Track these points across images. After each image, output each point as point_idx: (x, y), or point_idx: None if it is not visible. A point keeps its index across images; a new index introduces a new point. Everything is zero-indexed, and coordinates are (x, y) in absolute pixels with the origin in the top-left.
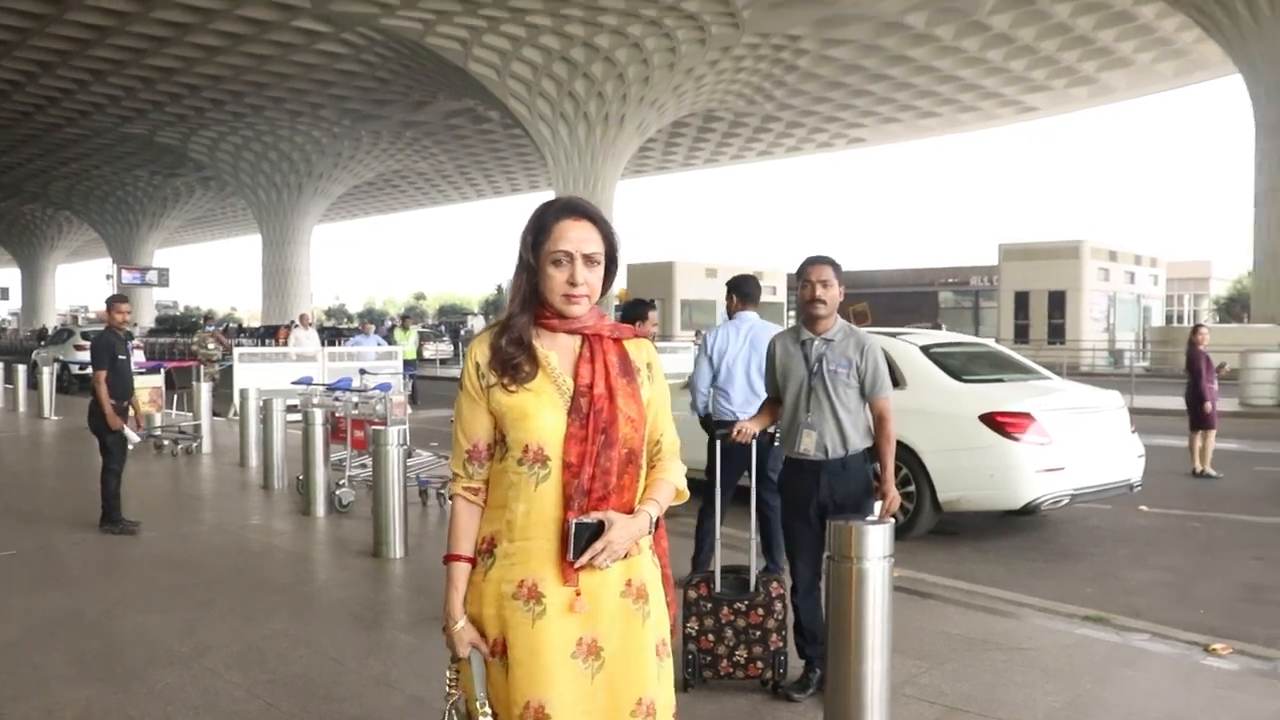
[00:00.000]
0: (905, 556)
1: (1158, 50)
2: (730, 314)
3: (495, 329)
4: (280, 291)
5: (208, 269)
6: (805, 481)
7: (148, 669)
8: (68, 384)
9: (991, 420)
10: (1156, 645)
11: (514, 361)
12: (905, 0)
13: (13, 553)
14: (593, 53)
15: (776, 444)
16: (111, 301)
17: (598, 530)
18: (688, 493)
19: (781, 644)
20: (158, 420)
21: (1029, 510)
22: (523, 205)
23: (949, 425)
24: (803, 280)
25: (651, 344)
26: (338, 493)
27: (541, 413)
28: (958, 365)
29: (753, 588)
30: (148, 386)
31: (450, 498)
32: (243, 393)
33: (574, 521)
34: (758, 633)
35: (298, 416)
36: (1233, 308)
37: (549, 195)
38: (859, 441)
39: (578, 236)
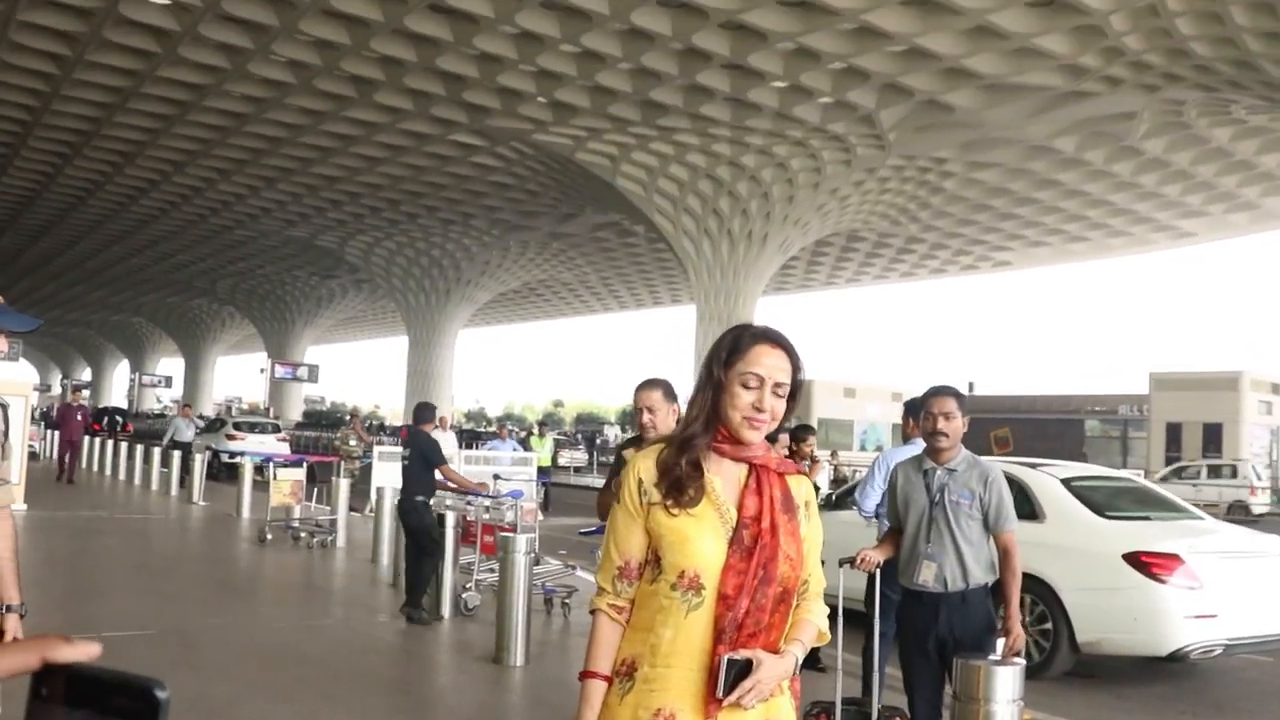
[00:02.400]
0: (1039, 698)
1: None
2: (905, 438)
3: (666, 447)
4: (423, 392)
5: (355, 367)
6: (924, 615)
7: None
8: (217, 471)
9: (1136, 560)
10: None
11: (685, 483)
12: (1054, 125)
13: (152, 633)
14: (738, 171)
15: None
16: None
17: (746, 668)
18: (829, 634)
19: None
20: (296, 513)
21: (1177, 658)
22: (664, 318)
23: (1090, 563)
24: (925, 412)
25: (810, 483)
26: (464, 596)
27: (703, 539)
28: (1101, 500)
29: None
30: (289, 479)
31: (591, 612)
32: (379, 490)
33: (726, 657)
34: None
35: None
36: None
37: (690, 309)
38: (980, 575)
39: (772, 364)
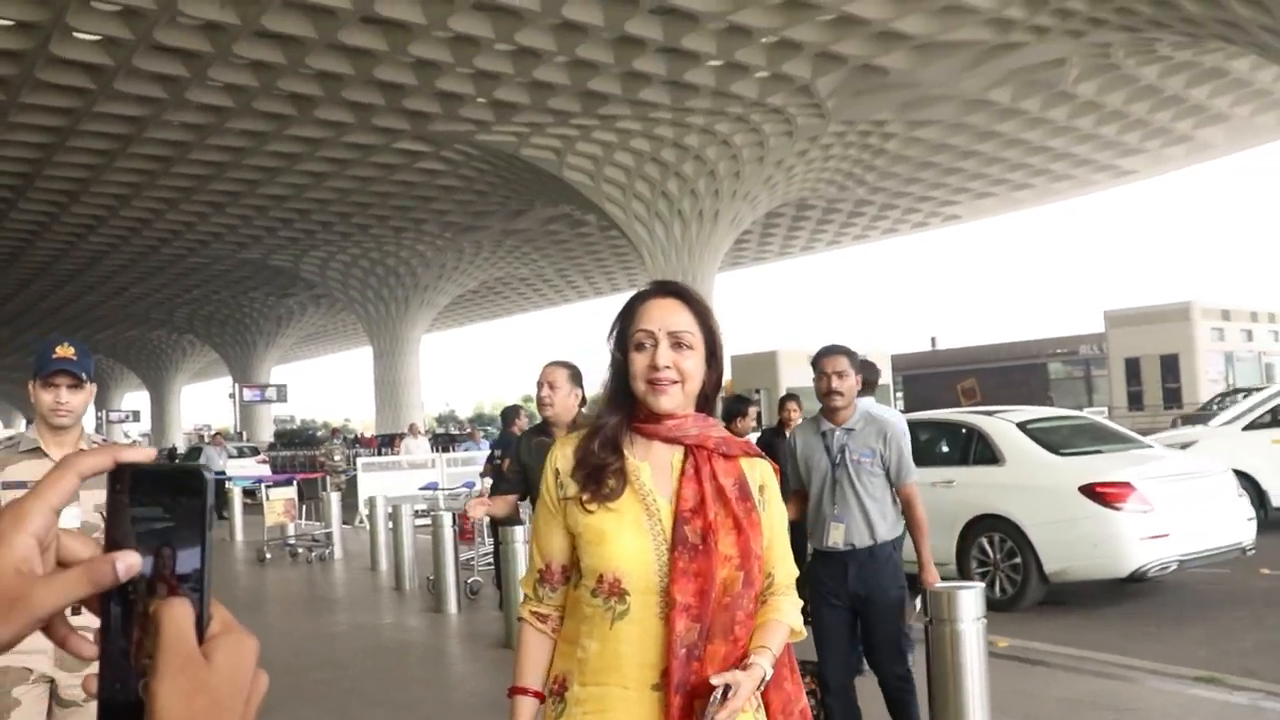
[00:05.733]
0: (1015, 626)
1: (1256, 103)
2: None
3: (584, 434)
4: (392, 401)
5: (322, 382)
6: (834, 573)
7: None
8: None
9: (1091, 491)
10: (1270, 703)
11: (602, 471)
12: (988, 78)
13: None
14: (683, 152)
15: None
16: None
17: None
18: (804, 630)
19: None
20: (291, 530)
21: (1137, 578)
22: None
23: (1050, 498)
24: (818, 372)
25: (768, 463)
26: (469, 581)
27: (622, 537)
28: (1056, 439)
29: None
30: (282, 498)
31: (518, 620)
32: (371, 500)
33: (721, 686)
34: None
35: (423, 521)
36: None
37: None
38: (886, 531)
39: (663, 315)
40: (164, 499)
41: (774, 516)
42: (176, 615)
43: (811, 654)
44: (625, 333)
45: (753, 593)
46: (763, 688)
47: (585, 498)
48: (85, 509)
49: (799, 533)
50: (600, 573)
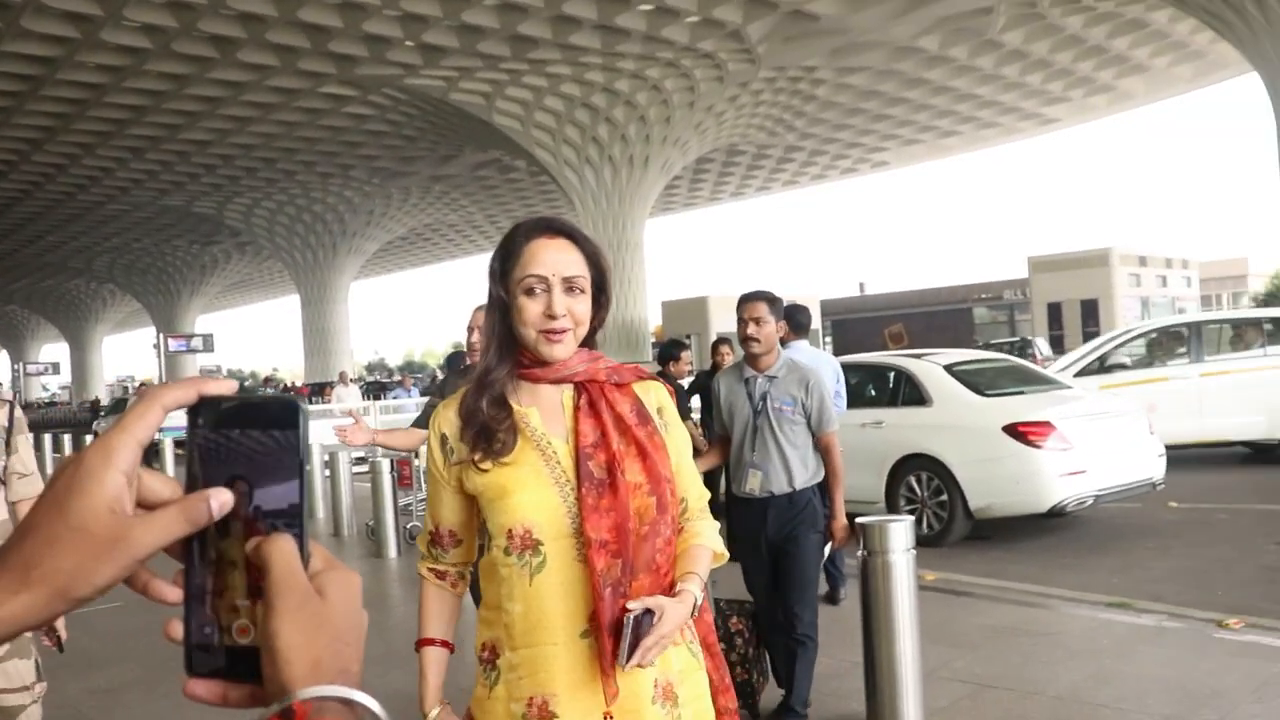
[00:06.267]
0: (941, 561)
1: (1174, 54)
2: (782, 344)
3: (467, 390)
4: (321, 350)
5: (250, 331)
6: (753, 518)
7: None
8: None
9: (1014, 430)
10: (1173, 624)
11: (494, 429)
12: (916, 25)
13: (119, 604)
14: (613, 97)
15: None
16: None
17: (645, 621)
18: (726, 553)
19: (747, 676)
20: None
21: (1057, 512)
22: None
23: (975, 438)
24: (738, 318)
25: (661, 385)
26: (408, 527)
27: (523, 488)
28: (981, 381)
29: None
30: None
31: (418, 575)
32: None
33: (633, 614)
34: None
35: (360, 469)
36: (1273, 303)
37: None
38: (806, 478)
39: (555, 257)
40: (254, 432)
41: (676, 439)
42: (285, 552)
43: (740, 592)
44: (509, 274)
45: (668, 518)
46: (696, 614)
47: (477, 458)
48: None
49: (718, 478)
50: (509, 528)
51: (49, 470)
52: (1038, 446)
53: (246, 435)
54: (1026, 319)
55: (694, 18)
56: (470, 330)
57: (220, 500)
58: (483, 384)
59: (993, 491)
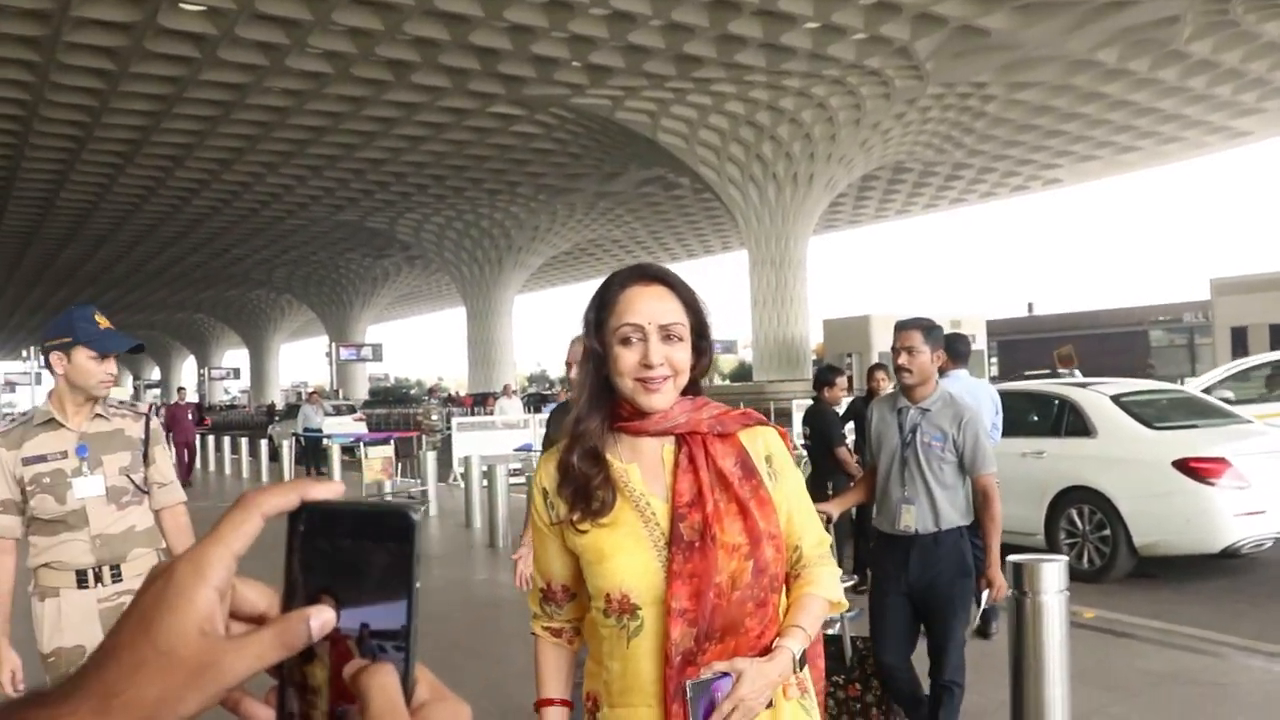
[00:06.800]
0: (1103, 598)
1: None
2: (941, 374)
3: (563, 444)
4: (485, 360)
5: (416, 341)
6: (895, 557)
7: None
8: (306, 456)
9: (1185, 466)
10: None
11: (587, 486)
12: (1094, 38)
13: None
14: (778, 115)
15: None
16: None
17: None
18: (844, 601)
19: (884, 718)
20: (388, 487)
21: (1231, 554)
22: (719, 265)
23: (1142, 472)
24: (892, 346)
25: (771, 429)
26: None
27: (619, 552)
28: (1150, 413)
29: (848, 660)
30: (380, 456)
31: (532, 634)
32: (466, 459)
33: (689, 683)
34: (857, 705)
35: (516, 480)
36: None
37: (742, 255)
38: (955, 518)
39: (650, 306)
40: (361, 543)
41: (788, 485)
42: (386, 684)
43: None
44: (604, 324)
45: (765, 579)
46: (800, 669)
47: (575, 518)
48: (110, 473)
49: (865, 516)
50: (606, 592)
51: (227, 470)
52: (1211, 484)
53: (354, 546)
54: (1208, 343)
55: (860, 35)
56: (569, 365)
57: (321, 620)
58: (575, 437)
59: (1160, 529)
